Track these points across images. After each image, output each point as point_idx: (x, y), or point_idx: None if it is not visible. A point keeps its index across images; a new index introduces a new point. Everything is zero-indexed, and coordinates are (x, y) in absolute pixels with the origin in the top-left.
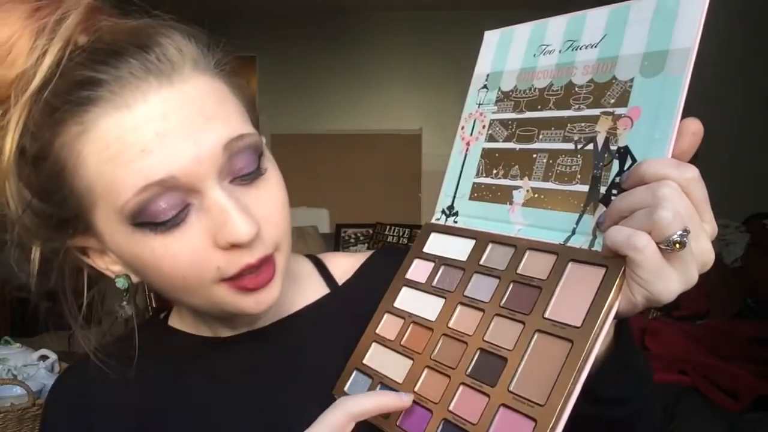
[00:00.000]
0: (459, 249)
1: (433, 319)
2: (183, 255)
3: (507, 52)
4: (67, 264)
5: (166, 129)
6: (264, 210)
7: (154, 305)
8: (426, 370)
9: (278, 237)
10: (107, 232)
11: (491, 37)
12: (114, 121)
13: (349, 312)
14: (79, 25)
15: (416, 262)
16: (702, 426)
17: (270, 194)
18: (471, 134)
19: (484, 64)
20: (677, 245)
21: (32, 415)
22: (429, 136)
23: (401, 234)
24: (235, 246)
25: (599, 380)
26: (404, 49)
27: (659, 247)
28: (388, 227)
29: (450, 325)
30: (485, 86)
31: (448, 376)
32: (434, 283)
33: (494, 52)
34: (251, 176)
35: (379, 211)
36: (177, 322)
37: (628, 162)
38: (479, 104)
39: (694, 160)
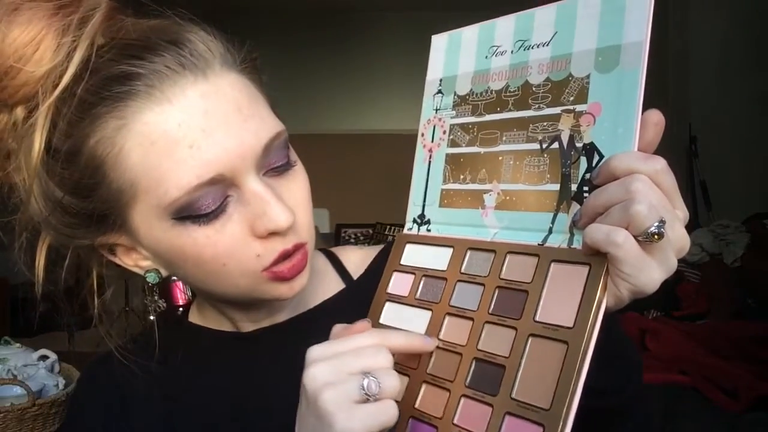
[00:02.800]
0: (437, 258)
1: (423, 333)
2: (223, 243)
3: (458, 56)
4: (92, 261)
5: (210, 125)
6: (294, 199)
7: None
8: (424, 386)
9: (308, 224)
10: (144, 227)
11: (439, 42)
12: (156, 115)
13: (366, 307)
14: (103, 23)
15: (395, 275)
16: (702, 426)
17: (298, 185)
18: (432, 141)
19: (435, 69)
20: (656, 236)
21: (32, 415)
22: None
23: None
24: (272, 234)
25: (592, 372)
26: (404, 49)
27: (638, 241)
28: (388, 227)
29: (441, 336)
30: (440, 91)
31: (448, 390)
32: (417, 296)
33: (444, 56)
34: (282, 168)
35: (379, 211)
36: (197, 318)
37: (596, 158)
38: (436, 110)
39: (696, 161)
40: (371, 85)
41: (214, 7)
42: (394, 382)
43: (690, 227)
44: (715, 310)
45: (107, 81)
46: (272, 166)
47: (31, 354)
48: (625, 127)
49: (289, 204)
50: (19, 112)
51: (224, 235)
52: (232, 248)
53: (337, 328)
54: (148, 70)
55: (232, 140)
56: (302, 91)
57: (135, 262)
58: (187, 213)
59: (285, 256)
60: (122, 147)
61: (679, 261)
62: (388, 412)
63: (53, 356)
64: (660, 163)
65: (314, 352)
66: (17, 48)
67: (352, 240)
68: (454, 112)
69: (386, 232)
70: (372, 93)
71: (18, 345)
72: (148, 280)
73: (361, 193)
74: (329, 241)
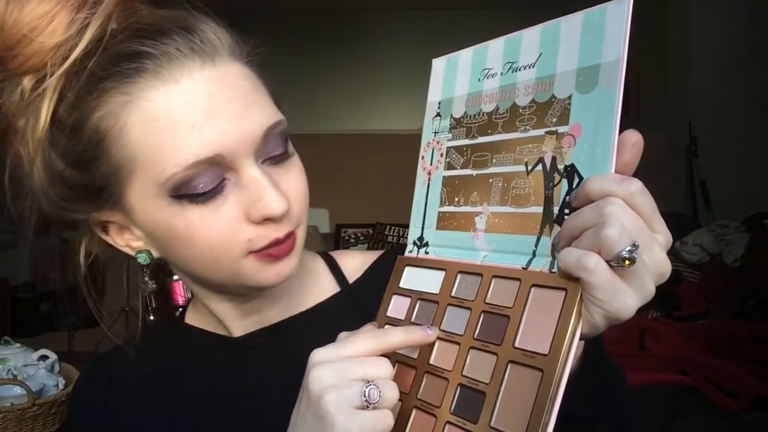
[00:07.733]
0: (431, 282)
1: (416, 357)
2: (216, 226)
3: (455, 79)
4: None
5: (214, 108)
6: (290, 188)
7: (153, 305)
8: (414, 411)
9: (300, 215)
10: (139, 204)
11: (438, 65)
12: (162, 93)
13: (359, 311)
14: (117, 5)
15: (394, 298)
16: (702, 426)
17: (294, 175)
18: (431, 164)
19: (434, 92)
20: (627, 261)
21: (32, 415)
22: None
23: (401, 234)
24: (267, 220)
25: (574, 400)
26: (404, 49)
27: (610, 265)
28: (388, 227)
29: (431, 361)
30: (438, 114)
31: (435, 416)
32: (413, 319)
33: (442, 80)
34: (279, 158)
35: (379, 211)
36: (193, 318)
37: (576, 180)
38: (435, 132)
39: (696, 161)
40: (371, 85)
41: (213, 8)
42: (393, 393)
43: (690, 227)
44: (715, 310)
45: (118, 58)
46: (270, 155)
47: (31, 354)
48: (602, 148)
49: (285, 193)
50: (27, 82)
51: (219, 217)
52: (224, 231)
53: (343, 335)
54: (159, 51)
55: (232, 124)
56: (302, 91)
57: (126, 242)
58: (184, 191)
59: (276, 243)
60: (125, 122)
61: (679, 261)
62: (386, 421)
63: (53, 356)
64: (635, 186)
65: (318, 354)
66: (32, 19)
67: (352, 240)
68: (450, 134)
69: (386, 232)
70: (372, 93)
71: (18, 345)
72: (138, 260)
73: (361, 193)
74: (329, 242)
